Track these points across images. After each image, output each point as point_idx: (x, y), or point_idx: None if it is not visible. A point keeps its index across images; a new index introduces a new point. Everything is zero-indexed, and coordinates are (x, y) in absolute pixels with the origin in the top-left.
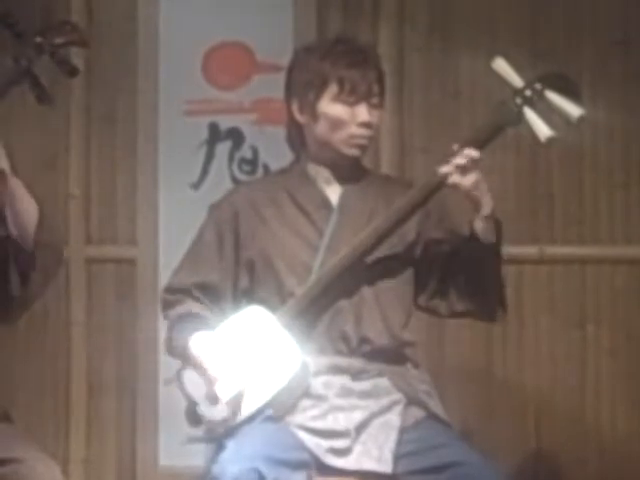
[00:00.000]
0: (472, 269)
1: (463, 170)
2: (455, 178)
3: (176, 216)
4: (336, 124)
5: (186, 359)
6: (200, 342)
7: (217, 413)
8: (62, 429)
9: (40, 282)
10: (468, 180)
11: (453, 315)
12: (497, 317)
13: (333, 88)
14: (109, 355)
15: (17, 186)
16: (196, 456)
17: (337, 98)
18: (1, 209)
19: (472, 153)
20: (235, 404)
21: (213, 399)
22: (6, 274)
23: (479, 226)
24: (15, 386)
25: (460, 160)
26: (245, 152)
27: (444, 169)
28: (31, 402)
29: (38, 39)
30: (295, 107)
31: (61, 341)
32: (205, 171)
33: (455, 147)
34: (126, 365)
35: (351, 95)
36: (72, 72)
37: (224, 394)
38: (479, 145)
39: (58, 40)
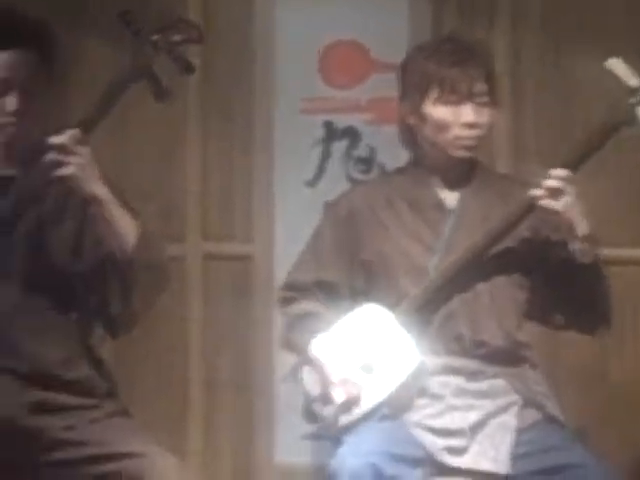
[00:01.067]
0: (570, 285)
1: (554, 193)
2: (546, 201)
3: (292, 214)
4: (441, 126)
5: (304, 359)
6: (319, 345)
7: (334, 412)
8: (179, 425)
9: (143, 300)
10: (559, 203)
11: (556, 328)
12: (599, 331)
13: (435, 89)
14: (225, 351)
15: (113, 211)
16: (312, 453)
17: (440, 99)
18: (100, 235)
19: (561, 174)
20: (352, 403)
21: (329, 401)
22: (106, 294)
23: (574, 247)
24: (133, 382)
25: (551, 182)
26: (361, 151)
27: (535, 192)
28: (148, 398)
29: (155, 37)
30: (405, 109)
31: (178, 337)
32: (321, 169)
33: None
34: (242, 361)
35: (452, 95)
36: (188, 69)
37: (340, 396)
38: (576, 164)
39: (175, 38)
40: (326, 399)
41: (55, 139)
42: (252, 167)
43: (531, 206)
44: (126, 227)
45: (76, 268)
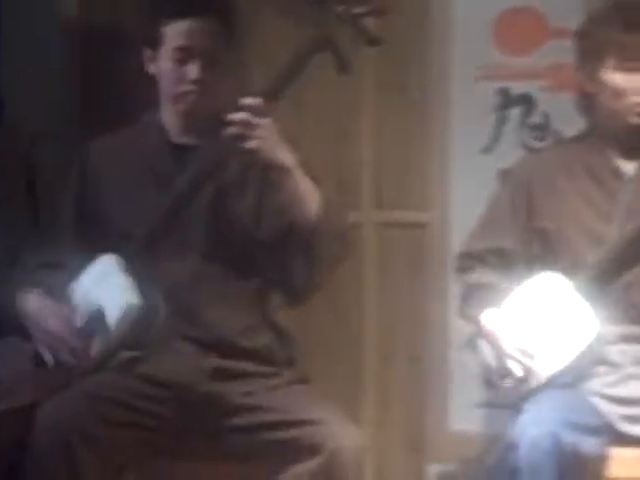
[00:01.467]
0: None
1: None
2: None
3: (467, 181)
4: (619, 93)
5: (479, 330)
6: (493, 318)
7: (512, 381)
8: (354, 394)
9: (326, 269)
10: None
11: None
12: None
13: (613, 55)
14: (400, 320)
15: (297, 178)
16: (486, 421)
17: (618, 66)
18: (284, 204)
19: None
20: (529, 375)
21: (506, 373)
22: (291, 260)
23: None
24: (307, 352)
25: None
26: (536, 118)
27: None
28: (323, 368)
29: (339, 8)
30: (582, 76)
31: (353, 306)
32: (496, 136)
33: None
34: (417, 330)
35: (631, 62)
36: (373, 41)
37: (517, 369)
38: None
39: (359, 10)
40: (503, 372)
41: (238, 114)
42: (427, 135)
43: None
44: (310, 195)
45: (258, 237)
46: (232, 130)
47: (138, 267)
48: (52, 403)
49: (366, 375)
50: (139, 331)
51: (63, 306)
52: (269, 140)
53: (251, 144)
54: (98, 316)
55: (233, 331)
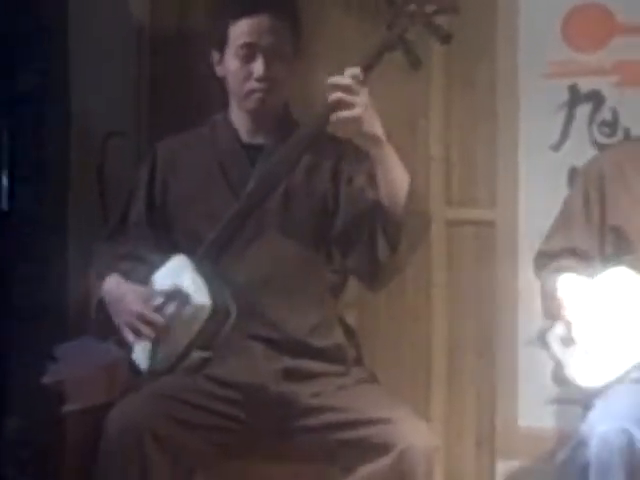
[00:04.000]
0: None
1: None
2: None
3: (536, 178)
4: None
5: (550, 305)
6: (569, 283)
7: (584, 375)
8: (423, 390)
9: (408, 249)
10: None
11: None
12: None
13: None
14: (469, 316)
15: (390, 154)
16: (556, 418)
17: None
18: (373, 175)
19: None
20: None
21: (569, 341)
22: (374, 241)
23: None
24: (376, 349)
25: None
26: (605, 114)
27: None
28: (392, 364)
29: (411, 7)
30: None
31: (422, 303)
32: (565, 133)
33: None
34: (485, 327)
35: None
36: (446, 39)
37: (582, 339)
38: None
39: (430, 7)
40: (564, 342)
41: (340, 79)
42: (496, 132)
43: None
44: (401, 172)
45: (335, 228)
46: (335, 96)
47: (209, 267)
48: (124, 404)
49: (435, 372)
50: (210, 332)
51: (141, 287)
52: (369, 110)
53: (355, 111)
54: (178, 296)
55: (303, 330)
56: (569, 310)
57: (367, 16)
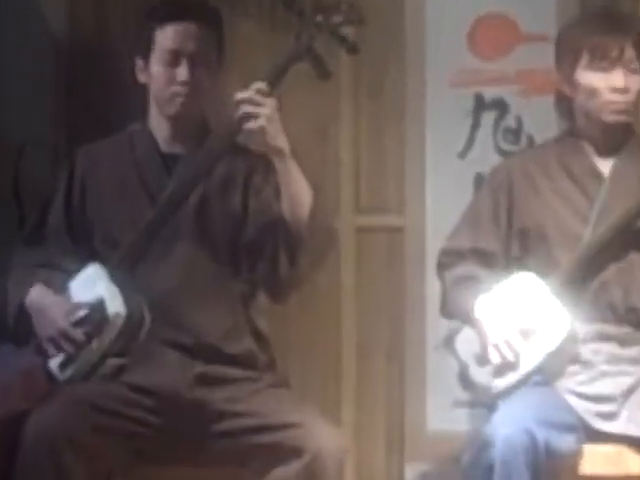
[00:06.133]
0: None
1: None
2: None
3: (443, 185)
4: (591, 92)
5: (465, 321)
6: (483, 305)
7: (488, 378)
8: (333, 393)
9: (310, 264)
10: None
11: None
12: None
13: (586, 56)
14: (377, 322)
15: (292, 168)
16: (464, 420)
17: (590, 65)
18: (271, 200)
19: None
20: (507, 366)
21: (485, 362)
22: (276, 255)
23: None
24: (286, 354)
25: None
26: (509, 122)
27: None
28: (302, 369)
29: (318, 18)
30: (559, 78)
31: (331, 309)
32: (470, 141)
33: None
34: (394, 332)
35: (603, 61)
36: (352, 49)
37: (496, 358)
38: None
39: (337, 19)
40: (483, 360)
41: (245, 93)
42: (404, 140)
43: None
44: (304, 186)
45: (244, 239)
46: (242, 109)
47: (123, 275)
48: (40, 411)
49: (345, 376)
50: (125, 339)
51: (63, 299)
52: (274, 123)
53: (259, 122)
54: (97, 308)
55: (216, 336)
56: (475, 314)
57: (278, 27)
